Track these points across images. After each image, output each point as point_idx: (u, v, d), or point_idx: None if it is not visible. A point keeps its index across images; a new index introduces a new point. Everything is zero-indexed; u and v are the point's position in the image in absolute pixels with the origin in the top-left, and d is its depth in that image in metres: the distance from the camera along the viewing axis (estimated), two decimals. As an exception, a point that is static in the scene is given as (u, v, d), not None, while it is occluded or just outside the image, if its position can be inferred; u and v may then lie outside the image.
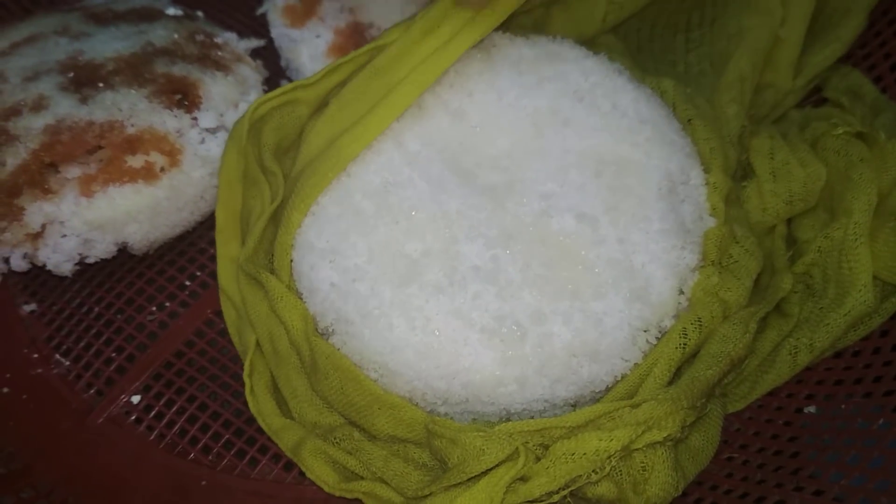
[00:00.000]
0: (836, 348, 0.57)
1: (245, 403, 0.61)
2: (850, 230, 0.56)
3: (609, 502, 0.49)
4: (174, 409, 0.62)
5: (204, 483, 0.59)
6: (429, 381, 0.52)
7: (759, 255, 0.57)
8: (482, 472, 0.48)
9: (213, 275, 0.68)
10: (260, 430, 0.60)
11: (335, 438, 0.55)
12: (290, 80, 0.80)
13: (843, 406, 0.54)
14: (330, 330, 0.55)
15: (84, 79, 0.65)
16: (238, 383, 0.63)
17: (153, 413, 0.62)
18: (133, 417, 0.62)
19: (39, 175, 0.61)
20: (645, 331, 0.53)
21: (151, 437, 0.61)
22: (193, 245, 0.70)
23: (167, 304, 0.67)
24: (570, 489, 0.48)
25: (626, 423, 0.48)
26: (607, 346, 0.52)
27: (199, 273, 0.69)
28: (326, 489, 0.54)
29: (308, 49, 0.73)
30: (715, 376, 0.50)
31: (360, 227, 0.56)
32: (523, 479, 0.49)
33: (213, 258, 0.69)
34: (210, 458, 0.60)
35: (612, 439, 0.47)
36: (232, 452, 0.60)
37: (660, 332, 0.54)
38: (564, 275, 0.54)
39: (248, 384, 0.58)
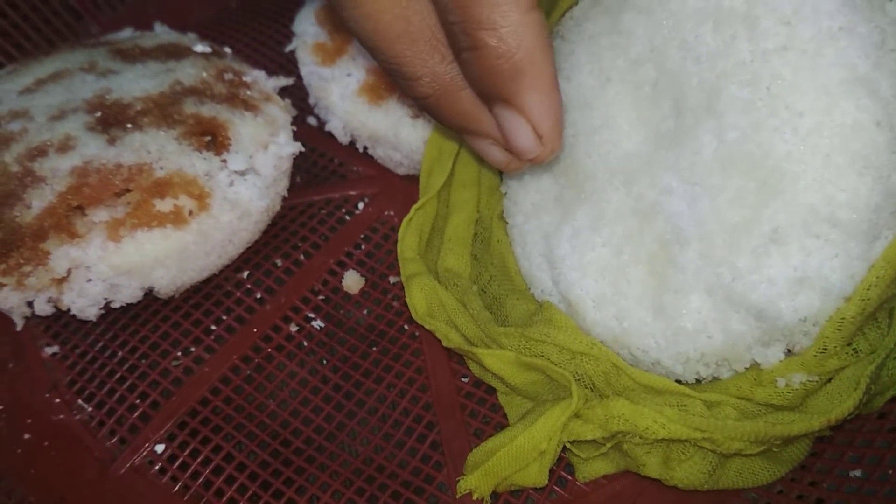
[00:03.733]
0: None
1: (271, 454, 0.60)
2: None
3: (636, 460, 0.54)
4: (199, 459, 0.60)
5: (229, 538, 0.58)
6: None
7: None
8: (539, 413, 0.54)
9: (239, 319, 0.67)
10: (286, 483, 0.59)
11: (454, 283, 0.64)
12: (319, 119, 0.79)
13: (890, 471, 0.53)
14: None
15: (112, 119, 0.64)
16: (264, 433, 0.61)
17: (177, 463, 0.60)
18: (157, 467, 0.60)
19: (66, 218, 0.60)
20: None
21: (175, 489, 0.59)
22: (219, 288, 0.69)
23: (192, 349, 0.66)
24: (615, 441, 0.53)
25: (686, 423, 0.50)
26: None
27: (224, 317, 0.67)
28: (413, 315, 0.62)
29: (339, 88, 0.72)
30: (802, 432, 0.49)
31: None
32: (578, 415, 0.53)
33: (238, 302, 0.68)
34: (236, 511, 0.59)
35: (665, 428, 0.50)
36: (258, 506, 0.59)
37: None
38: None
39: (410, 215, 0.65)
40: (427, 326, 0.61)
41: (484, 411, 0.62)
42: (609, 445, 0.54)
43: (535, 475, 0.54)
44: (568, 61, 0.61)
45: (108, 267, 0.60)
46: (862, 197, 0.45)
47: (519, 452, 0.54)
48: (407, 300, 0.63)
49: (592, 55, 0.59)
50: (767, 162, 0.47)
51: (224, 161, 0.64)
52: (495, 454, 0.54)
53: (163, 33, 0.77)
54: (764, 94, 0.48)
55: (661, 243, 0.53)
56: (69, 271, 0.60)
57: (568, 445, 0.55)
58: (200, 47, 0.74)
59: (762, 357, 0.51)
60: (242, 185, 0.65)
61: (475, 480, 0.55)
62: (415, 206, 0.66)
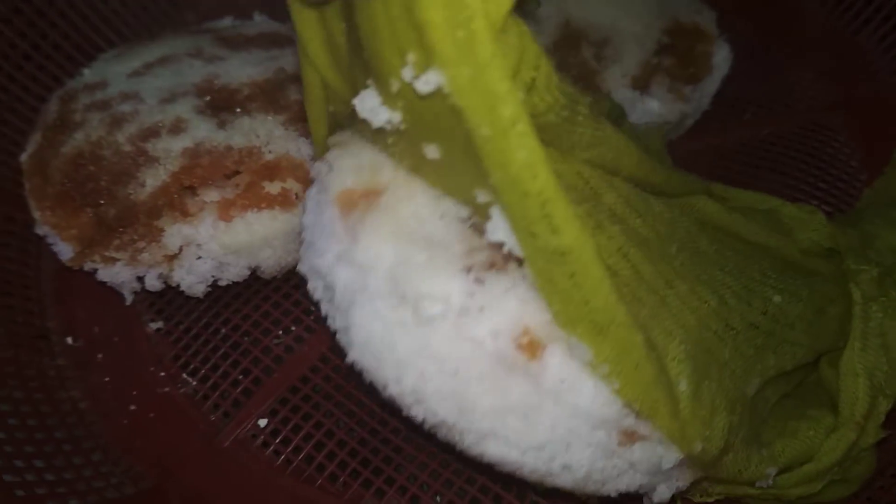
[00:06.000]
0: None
1: (370, 433, 0.62)
2: None
3: None
4: (300, 434, 0.62)
5: (332, 511, 0.59)
6: None
7: None
8: None
9: (337, 301, 0.69)
10: (385, 461, 0.60)
11: None
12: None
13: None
14: None
15: (221, 103, 0.66)
16: (363, 411, 0.63)
17: (280, 438, 0.62)
18: (260, 441, 0.62)
19: (178, 198, 0.62)
20: None
21: (278, 462, 0.61)
22: (317, 270, 0.71)
23: (293, 328, 0.68)
24: None
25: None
26: None
27: (323, 298, 0.69)
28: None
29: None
30: (846, 447, 0.50)
31: None
32: None
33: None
34: (336, 486, 0.60)
35: None
36: (358, 482, 0.60)
37: None
38: None
39: None
40: None
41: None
42: None
43: None
44: None
45: (218, 246, 0.62)
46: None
47: None
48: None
49: None
50: None
51: (328, 147, 0.66)
52: None
53: (262, 23, 0.79)
54: None
55: None
56: (181, 248, 0.62)
57: None
58: (300, 36, 0.75)
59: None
60: (345, 170, 0.67)
61: None
62: None
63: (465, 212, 0.42)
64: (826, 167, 0.79)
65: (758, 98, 0.85)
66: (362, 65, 0.41)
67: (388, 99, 0.39)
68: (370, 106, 0.39)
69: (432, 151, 0.39)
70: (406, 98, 0.37)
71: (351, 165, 0.47)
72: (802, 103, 0.86)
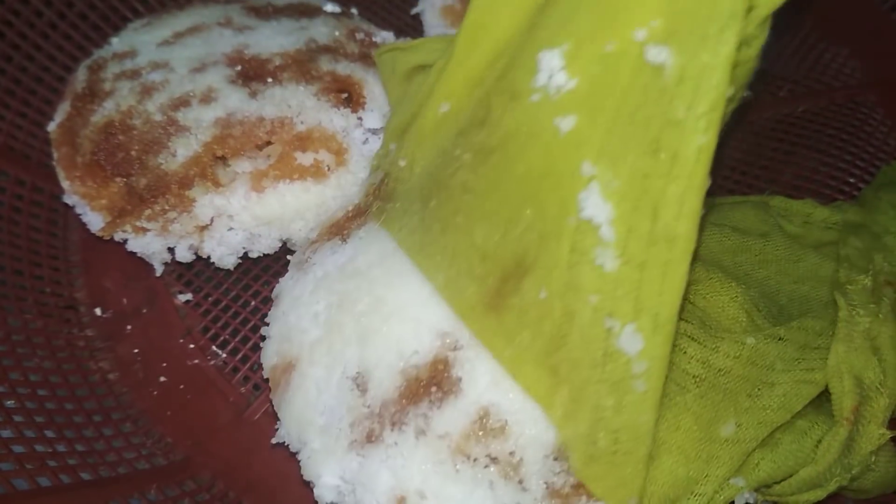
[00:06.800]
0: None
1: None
2: None
3: None
4: (331, 408, 0.62)
5: (363, 486, 0.59)
6: None
7: None
8: None
9: (367, 275, 0.69)
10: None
11: None
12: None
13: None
14: None
15: (252, 73, 0.65)
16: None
17: (310, 411, 0.62)
18: (290, 415, 0.62)
19: (210, 168, 0.61)
20: None
21: (309, 436, 0.61)
22: (347, 244, 0.70)
23: (323, 302, 0.67)
24: None
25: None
26: None
27: (352, 272, 0.69)
28: None
29: (466, 51, 0.72)
30: (841, 444, 0.49)
31: None
32: None
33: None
34: (368, 460, 0.60)
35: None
36: (390, 456, 0.60)
37: None
38: None
39: None
40: None
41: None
42: None
43: None
44: None
45: (250, 217, 0.61)
46: None
47: None
48: None
49: None
50: None
51: (360, 119, 0.65)
52: None
53: (291, -8, 0.78)
54: None
55: None
56: (212, 219, 0.62)
57: None
58: (330, 7, 0.74)
59: None
60: (376, 143, 0.66)
61: None
62: None
63: (352, 370, 0.47)
64: (863, 145, 0.78)
65: (793, 75, 0.84)
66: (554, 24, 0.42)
67: (572, 63, 0.40)
68: (551, 66, 0.41)
69: (567, 123, 0.40)
70: (594, 61, 0.39)
71: (277, 334, 0.53)
72: (838, 81, 0.84)
